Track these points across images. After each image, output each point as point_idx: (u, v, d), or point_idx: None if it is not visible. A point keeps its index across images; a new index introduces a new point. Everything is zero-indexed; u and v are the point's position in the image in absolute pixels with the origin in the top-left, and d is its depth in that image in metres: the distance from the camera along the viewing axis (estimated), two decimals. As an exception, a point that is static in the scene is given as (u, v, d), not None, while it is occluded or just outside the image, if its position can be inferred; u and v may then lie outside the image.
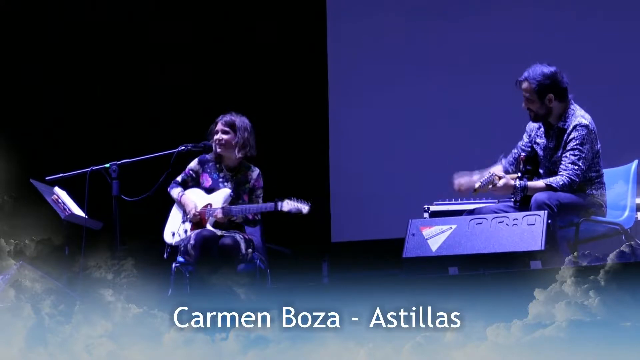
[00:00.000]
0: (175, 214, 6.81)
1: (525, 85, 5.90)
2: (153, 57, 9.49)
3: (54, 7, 9.43)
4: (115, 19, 9.51)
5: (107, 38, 9.50)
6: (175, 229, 6.73)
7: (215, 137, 6.71)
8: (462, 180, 6.05)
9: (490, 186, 5.74)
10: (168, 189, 6.80)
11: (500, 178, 5.74)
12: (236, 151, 6.72)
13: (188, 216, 6.70)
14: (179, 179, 6.82)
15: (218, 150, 6.71)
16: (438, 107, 9.03)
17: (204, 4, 9.61)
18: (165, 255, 6.72)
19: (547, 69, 5.90)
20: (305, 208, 6.64)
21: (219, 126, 6.72)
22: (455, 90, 8.97)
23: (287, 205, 6.60)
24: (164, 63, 9.48)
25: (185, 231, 6.67)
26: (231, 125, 6.71)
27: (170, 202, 6.87)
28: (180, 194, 6.77)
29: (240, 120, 6.74)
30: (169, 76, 9.47)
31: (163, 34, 9.53)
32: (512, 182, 5.75)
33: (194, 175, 6.83)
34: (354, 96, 9.32)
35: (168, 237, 6.74)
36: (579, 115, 5.86)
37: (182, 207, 6.76)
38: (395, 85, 9.16)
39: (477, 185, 5.74)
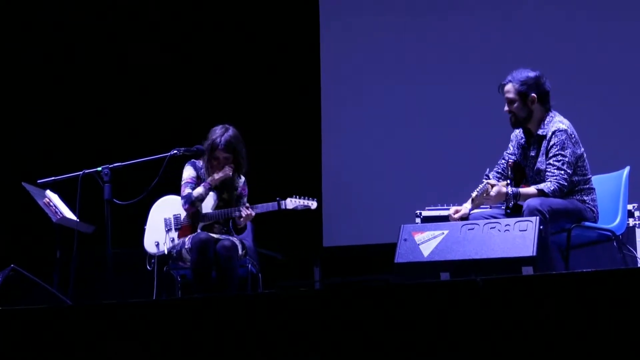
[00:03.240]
0: (155, 223, 6.73)
1: (508, 86, 5.97)
2: (145, 61, 9.49)
3: (47, 8, 9.43)
4: (109, 24, 9.51)
5: (100, 42, 9.50)
6: (159, 239, 6.67)
7: (218, 164, 6.61)
8: (454, 208, 6.04)
9: (485, 194, 5.76)
10: (189, 204, 6.58)
11: (493, 186, 5.76)
12: (237, 175, 6.71)
13: (226, 172, 6.59)
14: (189, 189, 6.63)
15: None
16: (430, 113, 9.03)
17: (195, 6, 9.61)
18: (148, 266, 6.66)
19: (532, 73, 5.96)
20: (313, 204, 6.62)
21: (220, 153, 6.58)
22: (447, 96, 8.97)
23: (292, 203, 6.57)
24: (156, 67, 9.48)
25: (172, 239, 6.63)
26: (231, 151, 6.61)
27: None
28: (205, 185, 6.61)
29: (237, 142, 6.63)
30: (161, 80, 9.47)
31: (155, 37, 9.53)
32: (504, 190, 5.76)
33: (198, 182, 6.71)
34: (347, 101, 9.33)
35: (151, 248, 6.67)
36: (557, 121, 5.89)
37: (213, 190, 6.63)
38: (388, 91, 9.17)
39: (473, 194, 5.76)
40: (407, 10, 9.23)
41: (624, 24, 8.63)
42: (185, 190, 6.65)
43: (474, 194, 5.77)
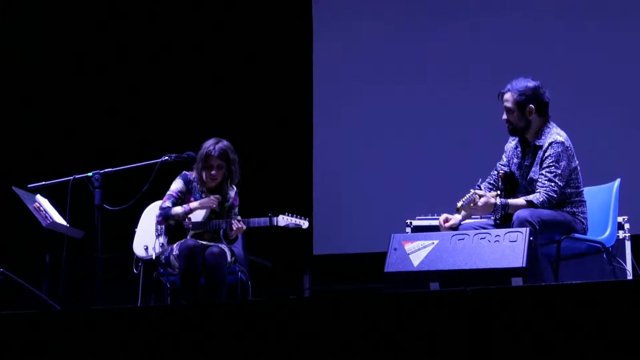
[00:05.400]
0: (145, 227, 6.72)
1: (507, 95, 5.93)
2: (137, 66, 9.49)
3: (38, 14, 9.42)
4: (100, 30, 9.51)
5: (91, 48, 9.50)
6: (148, 243, 6.66)
7: (211, 172, 6.60)
8: (445, 216, 6.03)
9: (472, 204, 5.75)
10: (162, 217, 6.59)
11: (480, 196, 5.76)
12: (229, 186, 6.69)
13: (216, 204, 6.60)
14: (169, 204, 6.62)
15: (211, 184, 6.66)
16: (422, 124, 9.04)
17: (187, 13, 9.61)
18: (135, 270, 6.65)
19: (531, 83, 5.94)
20: (305, 224, 6.67)
21: (214, 160, 6.58)
22: (438, 107, 8.98)
23: (283, 220, 6.60)
24: (148, 72, 9.47)
25: (162, 245, 6.62)
26: (225, 159, 6.61)
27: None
28: (186, 206, 6.60)
29: (230, 151, 6.63)
30: (153, 86, 9.46)
31: (146, 45, 9.53)
32: (493, 200, 5.77)
33: (182, 197, 6.71)
34: (338, 110, 9.33)
35: (140, 251, 6.66)
36: (555, 133, 5.88)
37: (195, 215, 6.65)
38: (380, 102, 9.18)
39: (459, 204, 5.76)
40: (399, 18, 9.24)
41: (617, 37, 8.65)
42: (166, 203, 6.63)
43: (459, 204, 5.76)
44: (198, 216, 6.63)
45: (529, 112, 5.89)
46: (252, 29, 9.54)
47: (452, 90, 8.94)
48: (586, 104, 8.55)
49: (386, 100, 9.16)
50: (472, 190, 5.81)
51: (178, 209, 6.60)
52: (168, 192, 6.67)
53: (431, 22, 9.15)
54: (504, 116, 5.95)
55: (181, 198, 6.69)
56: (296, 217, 6.64)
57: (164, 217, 6.61)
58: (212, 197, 6.61)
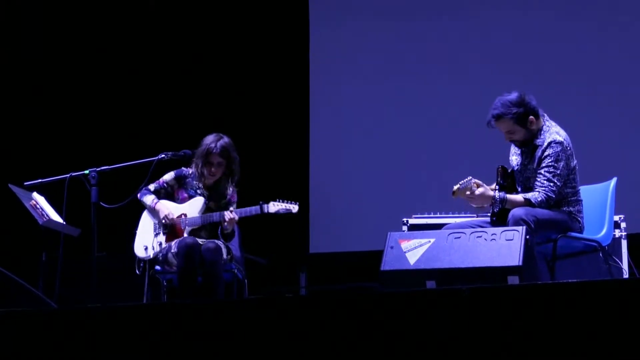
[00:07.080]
0: (145, 228, 6.73)
1: (501, 121, 5.85)
2: (133, 64, 9.48)
3: (34, 11, 9.41)
4: (96, 27, 9.51)
5: (87, 46, 9.49)
6: (147, 243, 6.65)
7: (211, 169, 6.62)
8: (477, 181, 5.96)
9: (468, 192, 5.73)
10: (139, 196, 6.68)
11: (478, 186, 5.74)
12: (228, 183, 6.70)
13: (163, 221, 6.64)
14: (151, 187, 6.72)
15: (209, 181, 6.67)
16: (418, 121, 9.04)
17: (183, 11, 9.61)
18: (138, 271, 6.65)
19: (513, 96, 5.86)
20: (295, 208, 6.64)
21: (215, 158, 6.61)
22: (434, 105, 8.99)
23: (274, 206, 6.58)
24: (144, 70, 9.47)
25: (160, 243, 6.62)
26: (226, 157, 6.63)
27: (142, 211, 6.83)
28: (155, 201, 6.69)
29: (231, 149, 6.65)
30: (149, 83, 9.46)
31: (142, 42, 9.53)
32: (491, 193, 5.75)
33: (169, 189, 6.75)
34: (334, 108, 9.33)
35: (140, 252, 6.66)
36: (554, 132, 5.86)
37: (154, 213, 6.69)
38: (375, 99, 9.18)
39: (455, 187, 5.74)
40: (397, 16, 9.24)
41: (615, 36, 8.65)
42: (150, 186, 6.71)
43: (455, 187, 5.72)
44: (193, 212, 6.64)
45: (530, 122, 5.85)
46: (249, 26, 9.54)
47: (450, 89, 8.94)
48: (583, 103, 8.56)
49: (383, 99, 9.17)
50: (470, 177, 5.77)
51: (149, 199, 6.69)
52: (157, 180, 6.73)
53: (430, 20, 9.15)
54: (507, 138, 5.89)
55: (165, 188, 6.77)
56: (286, 202, 6.63)
57: (141, 196, 6.69)
58: (170, 214, 6.62)
